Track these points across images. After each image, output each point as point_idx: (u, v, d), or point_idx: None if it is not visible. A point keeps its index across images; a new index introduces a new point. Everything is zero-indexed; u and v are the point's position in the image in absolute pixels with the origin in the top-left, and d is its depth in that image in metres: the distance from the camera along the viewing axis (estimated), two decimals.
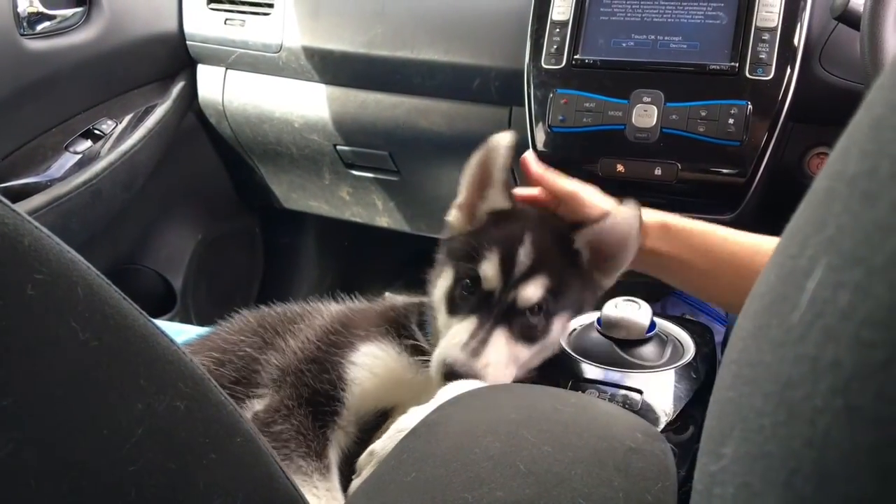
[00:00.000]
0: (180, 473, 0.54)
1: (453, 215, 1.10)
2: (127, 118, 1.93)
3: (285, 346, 1.04)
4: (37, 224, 0.46)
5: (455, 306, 1.00)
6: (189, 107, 2.08)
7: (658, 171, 1.42)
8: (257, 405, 0.96)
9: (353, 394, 0.95)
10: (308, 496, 0.85)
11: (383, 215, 2.14)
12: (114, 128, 1.88)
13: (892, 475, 0.20)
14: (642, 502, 0.67)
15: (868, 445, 0.21)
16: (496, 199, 1.07)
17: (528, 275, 0.97)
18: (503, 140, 1.04)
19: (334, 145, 1.97)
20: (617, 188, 1.47)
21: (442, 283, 1.05)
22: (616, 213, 1.02)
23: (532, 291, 0.98)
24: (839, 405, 0.22)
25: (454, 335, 0.96)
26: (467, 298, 0.99)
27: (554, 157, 1.50)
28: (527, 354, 1.00)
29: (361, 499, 0.68)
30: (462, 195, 1.09)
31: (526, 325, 0.98)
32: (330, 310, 1.11)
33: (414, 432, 0.77)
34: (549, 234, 1.03)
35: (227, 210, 2.37)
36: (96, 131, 1.85)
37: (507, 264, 0.97)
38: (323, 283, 2.51)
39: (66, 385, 0.46)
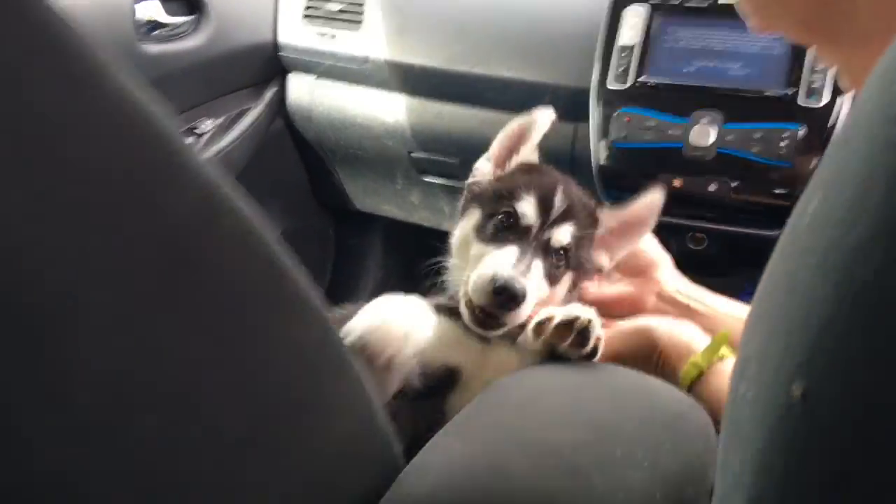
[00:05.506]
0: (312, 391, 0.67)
1: (483, 163, 1.19)
2: (220, 120, 2.09)
3: None
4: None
5: (490, 236, 1.04)
6: (278, 112, 2.23)
7: (713, 188, 1.53)
8: None
9: None
10: None
11: (450, 221, 2.25)
12: (210, 128, 2.05)
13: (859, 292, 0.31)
14: (688, 455, 0.78)
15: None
16: (527, 154, 1.16)
17: (562, 218, 1.05)
18: (546, 115, 1.14)
19: (409, 152, 2.10)
20: (674, 201, 1.58)
21: (466, 222, 1.11)
22: (642, 199, 1.12)
23: (565, 233, 1.05)
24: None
25: (497, 257, 0.99)
26: (504, 232, 1.03)
27: (616, 171, 1.63)
28: (545, 295, 1.04)
29: (444, 437, 0.80)
30: (495, 148, 1.18)
31: (553, 266, 1.04)
32: None
33: (488, 391, 0.89)
34: (577, 191, 1.12)
35: (304, 208, 2.51)
36: (195, 131, 2.02)
37: (544, 205, 1.04)
38: (387, 284, 2.62)
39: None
